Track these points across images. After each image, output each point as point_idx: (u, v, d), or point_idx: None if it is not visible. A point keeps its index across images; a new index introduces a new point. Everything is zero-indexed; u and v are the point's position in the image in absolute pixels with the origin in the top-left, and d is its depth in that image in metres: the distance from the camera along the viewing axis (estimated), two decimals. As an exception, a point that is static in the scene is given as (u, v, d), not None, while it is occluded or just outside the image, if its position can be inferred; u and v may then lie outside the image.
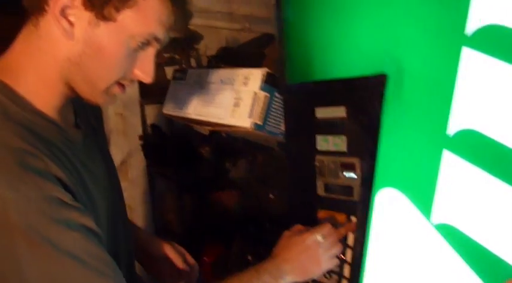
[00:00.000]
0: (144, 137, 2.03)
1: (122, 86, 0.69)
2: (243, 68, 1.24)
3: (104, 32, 0.62)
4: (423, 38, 0.67)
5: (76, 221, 0.59)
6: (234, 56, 1.75)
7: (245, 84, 1.22)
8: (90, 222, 0.61)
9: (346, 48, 0.82)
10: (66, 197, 0.59)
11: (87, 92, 0.67)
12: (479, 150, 0.62)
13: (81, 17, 0.61)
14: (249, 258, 1.61)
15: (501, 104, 0.60)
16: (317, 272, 0.82)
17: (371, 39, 0.77)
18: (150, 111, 2.05)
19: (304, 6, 0.91)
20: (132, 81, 0.70)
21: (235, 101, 1.23)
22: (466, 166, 0.63)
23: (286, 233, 0.86)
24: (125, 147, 2.00)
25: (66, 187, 0.60)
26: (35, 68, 0.65)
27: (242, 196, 1.83)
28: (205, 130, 1.57)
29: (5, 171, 0.55)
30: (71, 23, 0.61)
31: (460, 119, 0.63)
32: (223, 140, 1.63)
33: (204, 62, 2.01)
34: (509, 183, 0.59)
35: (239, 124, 1.22)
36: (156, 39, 0.66)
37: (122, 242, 0.80)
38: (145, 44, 0.66)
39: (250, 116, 1.19)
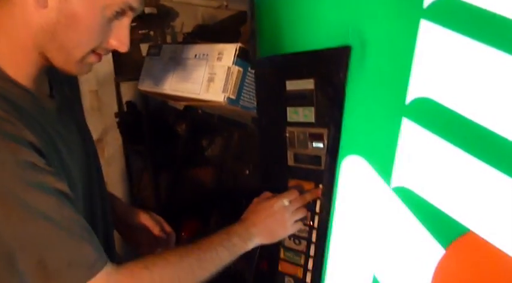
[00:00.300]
0: (119, 114, 2.03)
1: (97, 55, 0.70)
2: (218, 44, 1.26)
3: (79, 1, 0.63)
4: (384, 11, 0.71)
5: (50, 185, 0.61)
6: (210, 33, 1.75)
7: (219, 59, 1.24)
8: (63, 186, 0.63)
9: (312, 22, 0.85)
10: (40, 162, 0.61)
11: (61, 61, 0.68)
12: (435, 117, 0.66)
13: None
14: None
15: (455, 74, 0.64)
16: (283, 234, 0.88)
17: (335, 12, 0.80)
18: (125, 88, 2.05)
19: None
20: (107, 50, 0.71)
21: (209, 76, 1.25)
22: (423, 133, 0.68)
23: (256, 199, 0.90)
24: (100, 125, 2.00)
25: (39, 153, 0.61)
26: (8, 36, 0.65)
27: (218, 172, 1.86)
28: (180, 105, 1.59)
29: None
30: None
31: (417, 88, 0.67)
32: (199, 116, 1.65)
33: (180, 39, 2.01)
34: (461, 147, 0.64)
35: (213, 99, 1.24)
36: (131, 9, 0.68)
37: (99, 210, 0.82)
38: (120, 13, 0.67)
39: (224, 90, 1.21)
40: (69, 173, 0.70)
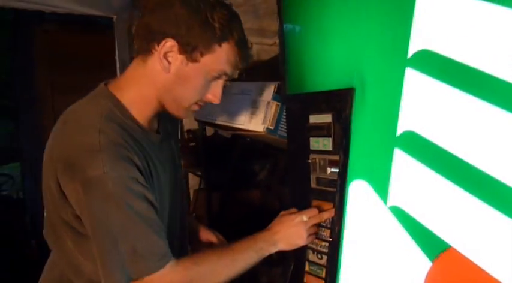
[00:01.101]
0: (181, 141, 2.29)
1: (199, 105, 0.97)
2: (260, 82, 1.46)
3: (191, 69, 0.90)
4: (379, 60, 0.86)
5: (145, 195, 0.87)
6: (257, 70, 1.96)
7: (260, 95, 1.43)
8: (152, 198, 0.88)
9: (327, 67, 1.02)
10: (141, 178, 0.87)
11: (174, 108, 0.95)
12: (420, 148, 0.79)
13: (176, 58, 0.88)
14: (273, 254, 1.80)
15: (435, 112, 0.76)
16: (300, 244, 1.04)
17: (343, 61, 0.96)
18: (187, 119, 2.31)
19: (299, 37, 1.12)
20: (205, 102, 0.98)
21: (252, 109, 1.45)
22: (411, 161, 0.80)
23: (282, 212, 1.08)
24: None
25: (140, 172, 0.87)
26: (139, 90, 0.94)
27: (265, 195, 2.02)
28: (228, 134, 1.79)
29: (108, 156, 0.83)
30: (169, 62, 0.89)
31: (405, 122, 0.81)
32: (247, 143, 1.84)
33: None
34: (440, 174, 0.76)
35: (255, 129, 1.43)
36: (225, 74, 0.94)
37: (178, 219, 1.07)
38: (217, 77, 0.94)
39: (264, 121, 1.40)
40: (162, 188, 0.97)
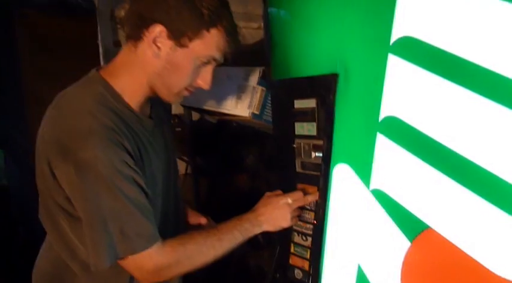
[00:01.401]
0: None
1: (189, 90, 0.99)
2: (245, 67, 1.46)
3: (180, 54, 0.91)
4: (362, 46, 0.87)
5: (134, 179, 0.89)
6: (243, 54, 1.95)
7: (246, 80, 1.44)
8: (142, 183, 0.90)
9: (310, 52, 1.03)
10: (131, 162, 0.88)
11: (164, 94, 0.97)
12: (401, 133, 0.81)
13: (165, 44, 0.89)
14: (259, 237, 1.84)
15: (416, 98, 0.78)
16: (284, 226, 1.07)
17: (327, 47, 0.97)
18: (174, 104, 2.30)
19: (284, 22, 1.13)
20: (195, 87, 0.99)
21: (238, 94, 1.45)
22: (392, 146, 0.83)
23: (267, 193, 1.11)
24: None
25: (131, 157, 0.89)
26: (130, 76, 0.94)
27: (252, 179, 2.04)
28: (213, 119, 1.79)
29: (99, 139, 0.85)
30: (158, 48, 0.90)
31: (387, 108, 0.82)
32: (234, 128, 1.85)
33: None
34: (420, 157, 0.78)
35: (240, 114, 1.44)
36: (214, 59, 0.95)
37: (172, 203, 1.10)
38: (206, 62, 0.94)
39: (249, 106, 1.40)
40: (155, 174, 0.98)
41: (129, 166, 0.87)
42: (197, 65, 0.93)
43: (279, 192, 1.11)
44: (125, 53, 0.95)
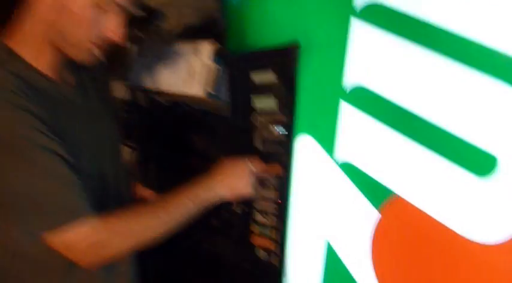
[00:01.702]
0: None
1: (98, 45, 0.85)
2: (197, 42, 1.38)
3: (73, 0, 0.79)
4: (323, 13, 0.84)
5: (49, 147, 0.77)
6: (193, 32, 1.87)
7: (199, 56, 1.36)
8: (61, 151, 0.78)
9: (268, 22, 0.99)
10: (43, 128, 0.76)
11: (70, 51, 0.84)
12: (366, 101, 0.79)
13: None
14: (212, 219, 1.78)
15: (381, 65, 0.77)
16: (246, 194, 0.98)
17: (286, 14, 0.93)
18: (116, 87, 2.16)
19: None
20: (104, 41, 0.86)
21: (190, 72, 1.38)
22: (357, 114, 0.81)
23: (223, 159, 1.01)
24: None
25: (42, 121, 0.77)
26: (25, 30, 0.82)
27: (204, 163, 1.98)
28: (166, 101, 1.70)
29: (1, 106, 0.74)
30: None
31: (351, 76, 0.81)
32: (185, 111, 1.77)
33: (167, 38, 2.12)
34: (386, 124, 0.77)
35: (194, 93, 1.37)
36: (118, 5, 0.83)
37: (112, 179, 0.95)
38: (107, 9, 0.82)
39: (204, 85, 1.34)
40: (78, 144, 0.85)
41: (42, 132, 0.76)
42: (96, 11, 0.81)
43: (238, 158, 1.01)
44: (20, 12, 0.83)
